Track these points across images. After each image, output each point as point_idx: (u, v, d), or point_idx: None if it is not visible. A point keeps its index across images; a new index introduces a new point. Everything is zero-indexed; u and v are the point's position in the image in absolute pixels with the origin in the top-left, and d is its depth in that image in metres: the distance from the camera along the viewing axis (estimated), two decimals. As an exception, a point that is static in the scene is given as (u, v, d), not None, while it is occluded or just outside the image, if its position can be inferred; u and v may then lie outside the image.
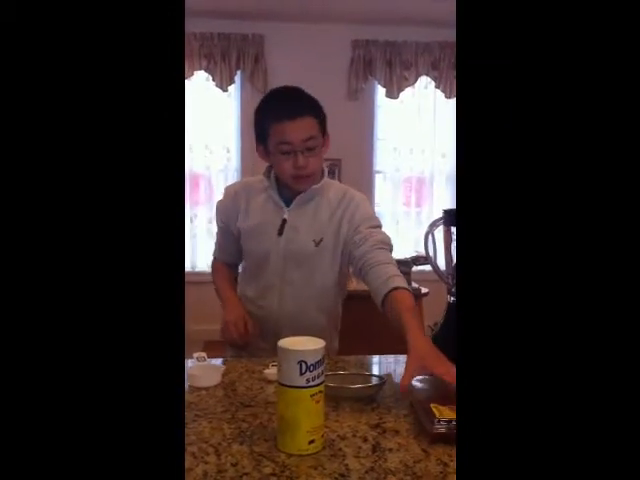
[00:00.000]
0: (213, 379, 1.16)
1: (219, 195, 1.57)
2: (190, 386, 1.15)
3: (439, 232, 1.39)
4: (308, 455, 0.85)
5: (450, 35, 0.68)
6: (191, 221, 4.34)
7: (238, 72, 4.24)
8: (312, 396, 0.86)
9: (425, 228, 1.44)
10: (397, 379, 1.18)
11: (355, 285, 1.96)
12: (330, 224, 1.39)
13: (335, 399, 1.05)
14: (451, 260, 1.36)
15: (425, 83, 4.44)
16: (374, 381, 1.13)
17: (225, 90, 4.22)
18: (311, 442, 0.86)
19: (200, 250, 4.33)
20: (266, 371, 1.20)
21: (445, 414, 0.93)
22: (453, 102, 4.28)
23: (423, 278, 2.84)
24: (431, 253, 1.40)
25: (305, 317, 1.40)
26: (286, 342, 0.88)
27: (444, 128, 4.42)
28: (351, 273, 1.47)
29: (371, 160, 4.50)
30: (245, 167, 4.29)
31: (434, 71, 4.36)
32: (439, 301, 1.52)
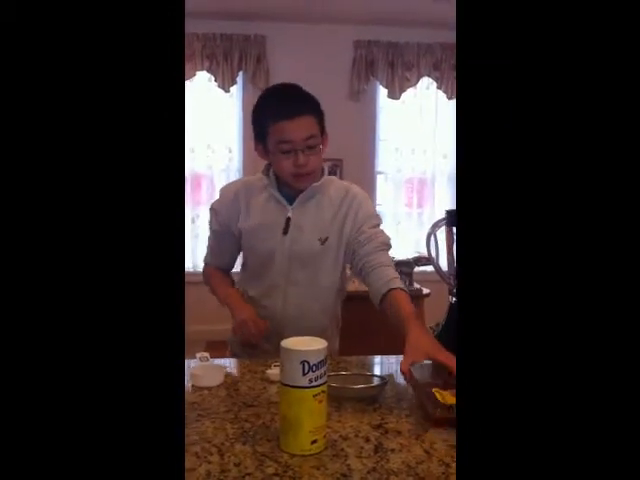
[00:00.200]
0: (216, 379, 1.17)
1: None
2: (193, 386, 1.15)
3: (441, 233, 1.40)
4: (310, 455, 0.86)
5: (452, 36, 0.69)
6: (193, 221, 4.34)
7: (240, 73, 4.25)
8: (315, 396, 0.86)
9: (426, 229, 1.44)
10: (399, 379, 1.18)
11: (357, 286, 1.96)
12: (334, 223, 1.39)
13: (337, 399, 1.05)
14: (453, 261, 1.36)
15: (427, 84, 4.44)
16: (376, 381, 1.13)
17: (227, 91, 4.22)
18: (313, 442, 0.86)
19: (202, 250, 4.31)
20: (268, 371, 1.20)
21: (447, 399, 0.96)
22: (455, 103, 4.28)
23: (424, 279, 2.84)
24: (433, 254, 1.40)
25: (308, 317, 1.40)
26: (289, 342, 0.89)
27: (446, 129, 4.42)
28: (350, 273, 1.49)
29: (373, 161, 4.50)
30: (247, 167, 4.29)
31: (436, 72, 4.36)
32: (441, 302, 1.52)
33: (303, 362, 0.85)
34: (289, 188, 1.39)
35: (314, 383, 0.86)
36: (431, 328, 1.35)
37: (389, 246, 1.37)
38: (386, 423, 0.98)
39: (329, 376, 0.92)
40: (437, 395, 0.97)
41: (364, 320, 1.92)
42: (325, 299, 1.45)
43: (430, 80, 4.41)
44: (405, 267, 2.72)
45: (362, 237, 1.35)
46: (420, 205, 4.56)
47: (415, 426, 0.97)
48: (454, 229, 1.35)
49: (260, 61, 4.22)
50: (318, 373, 0.86)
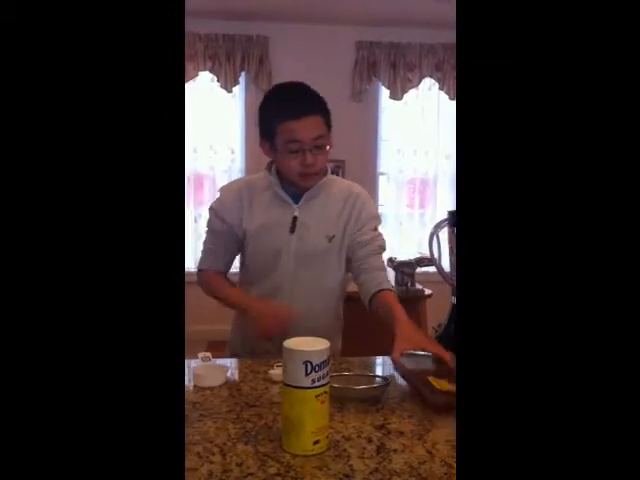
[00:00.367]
0: (218, 379, 1.17)
1: None
2: (195, 386, 1.15)
3: (443, 233, 1.40)
4: (313, 455, 0.85)
5: (454, 37, 0.68)
6: (195, 221, 4.35)
7: (242, 73, 4.25)
8: (317, 397, 0.86)
9: (428, 230, 1.44)
10: (401, 380, 1.18)
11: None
12: (339, 221, 1.41)
13: (340, 400, 1.05)
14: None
15: (429, 85, 4.44)
16: (378, 382, 1.13)
17: (230, 91, 4.23)
18: (316, 442, 0.86)
19: (204, 250, 4.33)
20: (271, 371, 1.20)
21: (444, 386, 1.01)
22: (457, 104, 4.27)
23: (426, 280, 2.84)
24: (436, 254, 1.40)
25: (313, 317, 1.39)
26: (291, 342, 0.89)
27: (448, 129, 4.42)
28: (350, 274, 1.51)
29: (375, 161, 4.50)
30: (249, 168, 4.29)
31: (438, 73, 4.36)
32: (443, 302, 1.52)
33: (306, 362, 0.85)
34: (294, 187, 1.38)
35: (317, 383, 0.86)
36: (433, 328, 1.35)
37: (384, 249, 1.43)
38: (389, 424, 0.98)
39: (331, 377, 0.92)
40: (434, 382, 1.01)
41: (367, 321, 1.91)
42: (329, 299, 1.46)
43: (432, 81, 4.41)
44: (407, 268, 2.72)
45: (363, 238, 1.39)
46: (422, 206, 4.56)
47: (417, 427, 0.97)
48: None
49: (262, 62, 4.22)
50: (321, 373, 0.86)
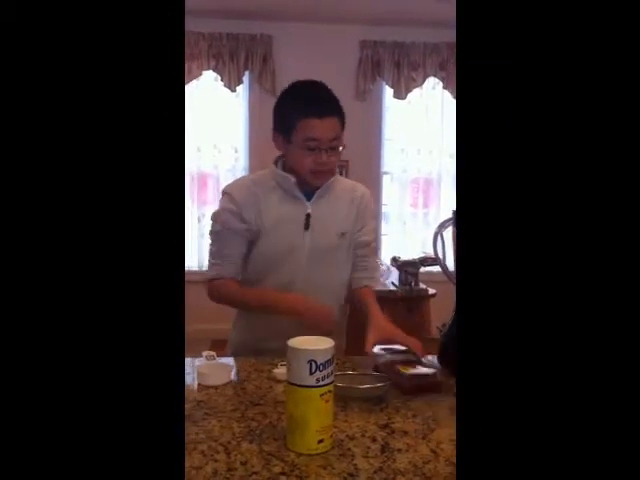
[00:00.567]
0: (222, 378, 1.17)
1: None
2: (199, 384, 1.15)
3: (448, 233, 1.39)
4: (317, 454, 0.86)
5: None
6: (199, 220, 4.35)
7: (246, 72, 4.25)
8: (321, 395, 0.86)
9: (432, 229, 1.44)
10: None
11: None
12: (347, 219, 1.45)
13: (344, 399, 1.05)
14: (460, 261, 1.36)
15: (433, 84, 4.43)
16: (382, 381, 1.13)
17: (233, 90, 4.22)
18: (320, 441, 0.86)
19: (207, 249, 4.33)
20: (275, 370, 1.20)
21: (410, 370, 1.16)
22: (461, 103, 4.26)
23: (430, 279, 2.84)
24: (440, 254, 1.39)
25: None
26: (296, 341, 0.89)
27: (452, 129, 4.40)
28: None
29: (379, 161, 4.49)
30: (253, 166, 4.29)
31: (442, 72, 4.35)
32: (447, 302, 1.51)
33: (310, 361, 0.85)
34: (302, 184, 1.39)
35: (321, 382, 0.86)
36: (437, 328, 1.35)
37: (377, 248, 1.54)
38: (393, 423, 0.98)
39: (335, 376, 0.92)
40: (403, 370, 1.16)
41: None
42: (338, 295, 1.48)
43: (436, 80, 4.40)
44: (411, 267, 2.72)
45: (364, 238, 1.48)
46: (426, 205, 4.55)
47: (422, 426, 0.97)
48: (461, 229, 1.34)
49: (266, 61, 4.22)
50: (325, 372, 0.86)
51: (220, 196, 1.49)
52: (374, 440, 0.91)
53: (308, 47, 4.25)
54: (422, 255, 2.83)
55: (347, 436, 0.93)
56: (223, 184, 4.29)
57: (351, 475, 0.80)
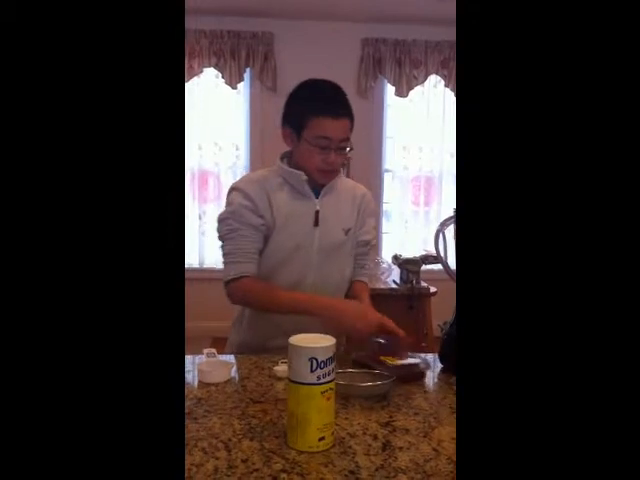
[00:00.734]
0: (223, 375, 1.17)
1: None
2: (200, 382, 1.15)
3: (449, 231, 1.39)
4: (318, 452, 0.85)
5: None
6: (200, 218, 4.35)
7: (247, 69, 4.24)
8: (323, 393, 0.86)
9: (434, 227, 1.45)
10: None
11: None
12: (351, 216, 1.48)
13: (345, 397, 1.05)
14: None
15: (435, 82, 4.42)
16: (384, 379, 1.13)
17: (234, 87, 4.22)
18: (321, 439, 0.86)
19: (208, 247, 4.34)
20: (276, 368, 1.20)
21: (395, 361, 1.20)
22: (463, 101, 4.25)
23: (432, 277, 2.83)
24: (441, 252, 1.39)
25: None
26: (297, 339, 0.88)
27: (453, 127, 4.39)
28: None
29: (380, 158, 4.49)
30: (254, 164, 4.29)
31: (443, 70, 4.34)
32: (448, 300, 1.51)
33: (311, 359, 0.85)
34: (310, 182, 1.40)
35: (322, 380, 0.85)
36: (439, 326, 1.35)
37: (376, 247, 1.60)
38: (394, 421, 0.98)
39: (337, 373, 0.92)
40: (387, 360, 1.21)
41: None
42: (341, 292, 1.50)
43: (438, 78, 4.39)
44: (412, 265, 2.71)
45: (365, 237, 1.52)
46: (427, 203, 4.55)
47: (423, 424, 0.97)
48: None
49: (267, 58, 4.21)
50: (326, 370, 0.86)
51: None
52: (375, 438, 0.91)
53: (309, 45, 4.24)
54: (423, 253, 2.82)
55: (348, 434, 0.92)
56: (224, 182, 4.33)
57: (352, 473, 0.80)
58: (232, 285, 1.36)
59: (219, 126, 4.32)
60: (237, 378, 1.19)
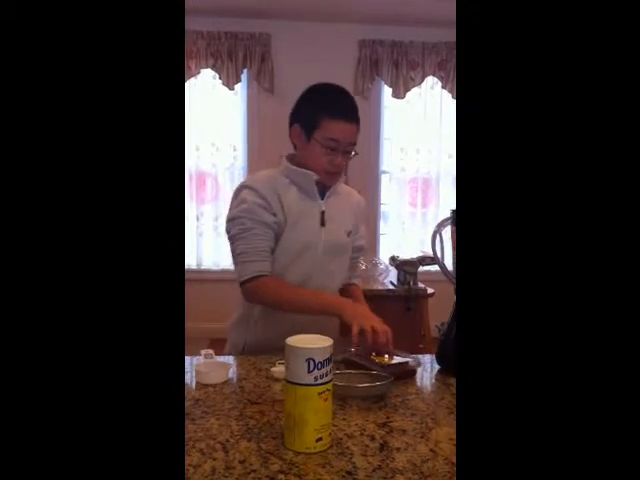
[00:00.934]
0: (220, 376, 1.17)
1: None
2: (198, 383, 1.15)
3: (446, 232, 1.39)
4: (315, 453, 0.85)
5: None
6: (197, 219, 4.34)
7: (245, 70, 4.24)
8: (320, 394, 0.86)
9: (431, 228, 1.46)
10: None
11: (361, 284, 1.96)
12: (350, 220, 1.52)
13: (342, 398, 1.05)
14: (458, 260, 1.36)
15: (432, 83, 4.43)
16: (381, 380, 1.13)
17: (231, 88, 4.22)
18: (318, 440, 0.86)
19: (206, 248, 4.34)
20: (273, 369, 1.20)
21: (386, 360, 1.23)
22: (460, 102, 4.26)
23: (429, 278, 2.84)
24: (438, 253, 1.39)
25: None
26: (294, 340, 0.88)
27: (450, 128, 4.41)
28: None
29: (377, 160, 4.50)
30: (251, 165, 4.29)
31: (441, 71, 4.35)
32: (446, 301, 1.51)
33: (309, 360, 0.85)
34: (317, 183, 1.42)
35: (319, 381, 0.85)
36: (436, 327, 1.35)
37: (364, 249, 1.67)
38: (391, 422, 0.98)
39: (334, 374, 0.92)
40: (378, 359, 1.23)
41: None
42: (338, 292, 1.53)
43: (435, 79, 4.40)
44: (409, 267, 2.71)
45: (359, 243, 1.59)
46: (424, 205, 4.55)
47: (420, 425, 0.97)
48: (459, 228, 1.34)
49: (265, 59, 4.22)
50: (324, 371, 0.86)
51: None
52: (373, 439, 0.91)
53: (306, 46, 4.25)
54: (420, 254, 2.83)
55: (346, 434, 0.93)
56: (221, 183, 4.34)
57: (349, 474, 0.80)
58: (249, 285, 1.35)
59: (216, 127, 4.32)
60: (235, 379, 1.20)
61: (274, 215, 1.37)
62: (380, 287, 2.74)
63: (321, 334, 0.91)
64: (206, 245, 4.35)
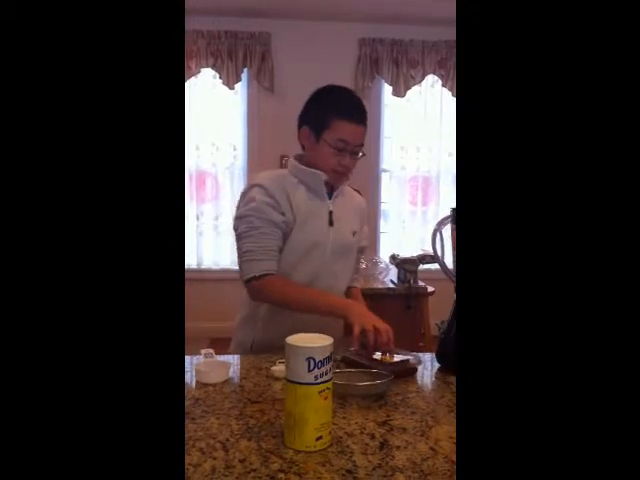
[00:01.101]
0: (220, 375, 1.17)
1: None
2: (198, 382, 1.15)
3: (446, 230, 1.39)
4: (316, 452, 0.85)
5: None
6: (197, 219, 4.34)
7: (245, 70, 4.24)
8: (320, 393, 0.86)
9: (431, 227, 1.45)
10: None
11: (362, 283, 1.96)
12: (356, 221, 1.53)
13: (342, 396, 1.05)
14: (459, 258, 1.36)
15: (432, 82, 4.43)
16: (381, 379, 1.13)
17: (232, 88, 4.22)
18: (319, 439, 0.86)
19: (206, 247, 4.34)
20: (273, 368, 1.20)
21: (389, 359, 1.24)
22: (460, 101, 4.26)
23: (429, 277, 2.84)
24: (439, 251, 1.39)
25: None
26: (294, 339, 0.89)
27: (451, 127, 4.40)
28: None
29: (377, 158, 4.50)
30: (251, 165, 4.29)
31: (441, 70, 4.35)
32: (446, 299, 1.51)
33: (309, 359, 0.85)
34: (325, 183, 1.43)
35: (319, 380, 0.86)
36: (436, 325, 1.35)
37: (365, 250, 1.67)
38: (391, 420, 0.98)
39: (334, 373, 0.92)
40: (380, 358, 1.24)
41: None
42: (343, 293, 1.54)
43: (435, 78, 4.40)
44: (410, 265, 2.71)
45: (362, 243, 1.59)
46: (425, 203, 4.55)
47: (420, 423, 0.97)
48: (459, 226, 1.34)
49: (265, 58, 4.22)
50: (324, 370, 0.86)
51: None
52: (373, 437, 0.91)
53: (307, 45, 4.24)
54: (421, 253, 2.83)
55: (346, 433, 0.93)
56: (221, 182, 4.34)
57: (349, 472, 0.80)
58: (255, 283, 1.35)
59: (216, 126, 4.32)
60: (235, 378, 1.20)
61: (283, 214, 1.37)
62: (380, 286, 2.74)
63: (326, 333, 0.92)
64: (206, 244, 4.35)
